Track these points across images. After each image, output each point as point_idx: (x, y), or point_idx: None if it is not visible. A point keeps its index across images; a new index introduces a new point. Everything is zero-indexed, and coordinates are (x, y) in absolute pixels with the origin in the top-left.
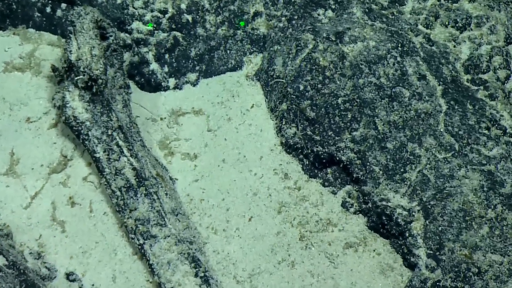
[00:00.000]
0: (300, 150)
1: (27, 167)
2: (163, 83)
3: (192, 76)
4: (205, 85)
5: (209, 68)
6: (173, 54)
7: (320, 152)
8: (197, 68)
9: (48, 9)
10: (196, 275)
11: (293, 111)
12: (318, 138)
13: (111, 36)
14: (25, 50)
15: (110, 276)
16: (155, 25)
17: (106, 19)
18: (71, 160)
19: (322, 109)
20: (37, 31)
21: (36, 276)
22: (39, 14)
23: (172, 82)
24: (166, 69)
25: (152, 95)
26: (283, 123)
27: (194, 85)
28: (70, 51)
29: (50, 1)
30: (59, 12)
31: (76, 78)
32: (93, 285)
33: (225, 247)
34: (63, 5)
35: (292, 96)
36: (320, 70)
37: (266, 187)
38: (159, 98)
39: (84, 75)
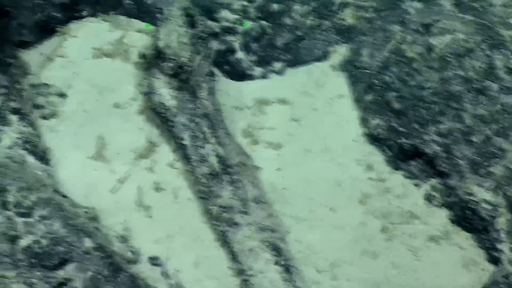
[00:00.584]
0: (384, 142)
1: (115, 152)
2: (249, 72)
3: (278, 65)
4: (290, 75)
5: (295, 58)
6: (259, 43)
7: (404, 144)
8: (283, 57)
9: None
10: (277, 264)
11: (378, 102)
12: (403, 130)
13: (199, 24)
14: (115, 36)
15: (193, 262)
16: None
17: (194, 7)
18: (157, 146)
19: (408, 101)
20: (126, 18)
21: (121, 259)
22: (129, 1)
23: (258, 71)
24: (252, 58)
25: (237, 83)
26: (368, 114)
27: (279, 75)
28: (159, 38)
29: None
30: (149, 0)
31: (163, 65)
32: (176, 270)
33: (307, 237)
34: None
35: (377, 87)
36: (407, 62)
37: (349, 177)
38: (244, 87)
39: (171, 62)
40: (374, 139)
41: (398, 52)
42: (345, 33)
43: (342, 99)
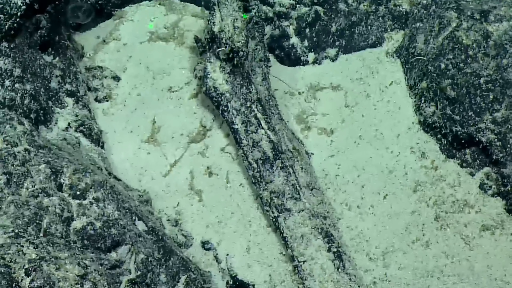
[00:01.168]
0: (438, 130)
1: (168, 135)
2: (302, 58)
3: (331, 51)
4: (344, 61)
5: (349, 44)
6: (313, 28)
7: (459, 132)
8: (337, 43)
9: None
10: (329, 250)
11: (433, 89)
12: (457, 117)
13: (253, 8)
14: (170, 20)
15: (245, 247)
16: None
17: None
18: (210, 130)
19: (463, 89)
20: (182, 2)
21: (173, 242)
22: None
23: (311, 56)
24: (306, 43)
25: (291, 69)
26: (422, 101)
27: (333, 61)
28: (213, 22)
29: None
30: None
31: (218, 49)
32: (227, 254)
33: (358, 224)
34: None
35: (432, 74)
36: (462, 49)
37: (402, 165)
38: (298, 72)
39: (226, 47)
40: (428, 126)
41: (454, 39)
42: (401, 19)
43: (397, 86)
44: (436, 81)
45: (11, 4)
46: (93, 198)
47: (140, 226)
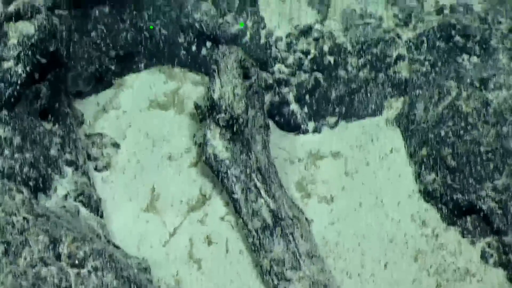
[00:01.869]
0: (439, 197)
1: (167, 203)
2: (302, 125)
3: (331, 119)
4: (344, 128)
5: (349, 111)
6: (313, 95)
7: (459, 200)
8: (337, 110)
9: (194, 48)
10: None
11: (433, 157)
12: (458, 185)
13: (253, 76)
14: (170, 88)
15: None
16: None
17: (249, 58)
18: (210, 198)
19: (464, 157)
20: (182, 69)
21: None
22: (184, 53)
23: (311, 123)
24: (306, 110)
25: (291, 136)
26: (423, 169)
27: (333, 128)
28: (213, 89)
29: (195, 40)
30: (203, 51)
31: (218, 116)
32: None
33: None
34: (208, 44)
35: (433, 142)
36: (462, 116)
37: (403, 233)
38: (298, 139)
39: (226, 114)
40: (428, 194)
41: (454, 107)
42: (400, 87)
43: (396, 154)
44: (436, 149)
45: (12, 73)
46: (91, 267)
47: None
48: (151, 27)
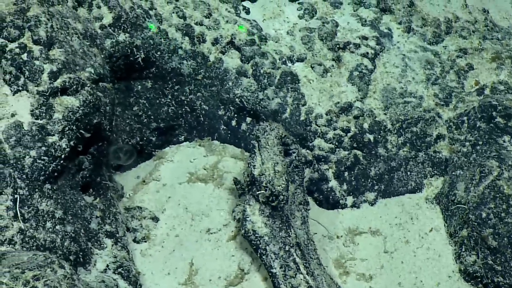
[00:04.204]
0: (479, 279)
1: (205, 278)
2: (341, 201)
3: (370, 196)
4: (383, 205)
5: (388, 189)
6: (352, 172)
7: (500, 283)
8: (376, 187)
9: (234, 123)
10: None
11: (474, 238)
12: (499, 268)
13: (294, 152)
14: (209, 161)
15: None
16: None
17: (289, 135)
18: (248, 274)
19: (505, 239)
20: (222, 144)
21: None
22: (224, 127)
23: (350, 200)
24: (345, 187)
25: (329, 212)
26: (463, 249)
27: (372, 205)
28: (254, 165)
29: (236, 115)
30: (243, 126)
31: (257, 192)
32: None
33: None
34: (248, 119)
35: (473, 223)
36: (504, 198)
37: None
38: (336, 216)
39: (266, 190)
40: (469, 276)
41: (495, 188)
42: (440, 166)
43: (436, 233)
44: (477, 230)
45: (56, 147)
46: None
47: None
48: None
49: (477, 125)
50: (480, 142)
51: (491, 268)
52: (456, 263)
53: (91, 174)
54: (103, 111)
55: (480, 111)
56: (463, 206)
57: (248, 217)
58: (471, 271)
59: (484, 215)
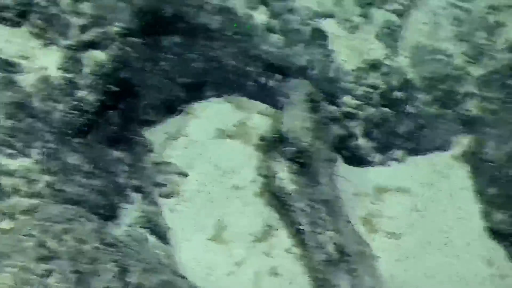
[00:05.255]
0: (507, 237)
1: (234, 234)
2: (369, 158)
3: (399, 153)
4: (412, 164)
5: (417, 146)
6: (381, 129)
7: None
8: (405, 145)
9: (263, 79)
10: None
11: (502, 196)
12: None
13: (321, 109)
14: (237, 118)
15: None
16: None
17: (318, 92)
18: (276, 230)
19: None
20: (250, 100)
21: None
22: (252, 83)
23: (378, 157)
24: (373, 144)
25: (357, 169)
26: (491, 208)
27: (400, 162)
28: (282, 122)
29: (264, 71)
30: (272, 83)
31: (285, 149)
32: None
33: None
34: (277, 76)
35: (501, 181)
36: None
37: (472, 273)
38: (364, 173)
39: (293, 147)
40: (497, 234)
41: None
42: (469, 124)
43: (465, 192)
44: (505, 188)
45: (84, 101)
46: None
47: None
48: None
49: (507, 83)
50: (509, 100)
51: None
52: (484, 221)
53: (120, 129)
54: (131, 66)
55: (509, 69)
56: (491, 164)
57: (276, 174)
58: (499, 229)
59: None
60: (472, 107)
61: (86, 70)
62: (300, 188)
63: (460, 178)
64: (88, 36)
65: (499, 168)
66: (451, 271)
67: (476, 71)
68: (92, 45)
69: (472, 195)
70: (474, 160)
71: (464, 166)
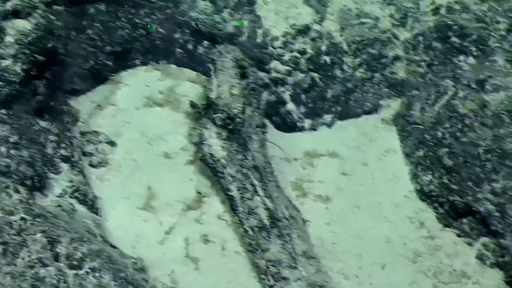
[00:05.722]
0: (435, 198)
1: (163, 202)
2: (298, 124)
3: (328, 118)
4: (340, 128)
5: (345, 111)
6: (310, 94)
7: (456, 202)
8: (333, 109)
9: (190, 46)
10: None
11: (430, 158)
12: (455, 187)
13: (250, 75)
14: (166, 85)
15: None
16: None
17: (246, 58)
18: (206, 197)
19: (461, 158)
20: (178, 67)
21: None
22: (180, 51)
23: (307, 122)
24: (302, 109)
25: (287, 135)
26: (419, 170)
27: (329, 127)
28: (210, 89)
29: (192, 38)
30: (200, 49)
31: (214, 116)
32: None
33: None
34: (205, 43)
35: (429, 143)
36: (459, 118)
37: (400, 235)
38: (294, 139)
39: (222, 114)
40: (425, 195)
41: (451, 108)
42: (397, 87)
43: (393, 154)
44: (433, 150)
45: (9, 71)
46: (89, 268)
47: None
48: (151, 26)
49: (433, 45)
50: (436, 62)
51: (447, 187)
52: (413, 183)
53: (46, 98)
54: (56, 34)
55: (435, 31)
56: (419, 126)
57: (205, 141)
58: (427, 191)
59: (440, 135)
60: (399, 70)
61: (10, 39)
62: (230, 154)
63: (388, 141)
64: (10, 4)
65: (426, 130)
66: (379, 233)
67: (403, 34)
68: (15, 13)
69: (401, 157)
70: (402, 123)
71: (392, 129)
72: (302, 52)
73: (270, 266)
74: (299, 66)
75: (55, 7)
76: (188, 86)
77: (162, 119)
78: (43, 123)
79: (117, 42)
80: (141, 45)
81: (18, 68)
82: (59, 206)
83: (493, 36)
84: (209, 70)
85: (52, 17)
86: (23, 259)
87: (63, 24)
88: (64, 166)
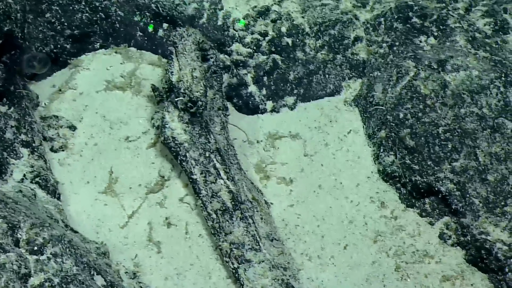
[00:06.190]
0: (397, 179)
1: (125, 186)
2: (260, 106)
3: (290, 100)
4: (302, 109)
5: (307, 92)
6: (271, 77)
7: (418, 182)
8: (295, 91)
9: (150, 29)
10: None
11: (391, 138)
12: (416, 167)
13: (211, 58)
14: (126, 69)
15: None
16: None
17: (207, 40)
18: (168, 180)
19: (422, 138)
20: (139, 50)
21: None
22: (141, 34)
23: (269, 105)
24: (264, 91)
25: (249, 117)
26: (381, 150)
27: (291, 109)
28: (172, 72)
29: (152, 21)
30: (160, 32)
31: (176, 99)
32: None
33: (319, 275)
34: (165, 25)
35: (391, 123)
36: (421, 98)
37: (362, 215)
38: (256, 121)
39: (184, 97)
40: (387, 176)
41: (412, 88)
42: (358, 68)
43: (355, 135)
44: (394, 130)
45: None
46: (50, 254)
47: (99, 281)
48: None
49: (394, 26)
50: (397, 43)
51: (408, 168)
52: (375, 163)
53: (4, 83)
54: (13, 18)
55: (396, 12)
56: (380, 107)
57: (167, 124)
58: (389, 171)
59: (401, 115)
60: (361, 51)
61: None
62: (192, 137)
63: (350, 122)
64: None
65: (388, 111)
66: (341, 214)
67: (364, 15)
68: None
69: (363, 138)
70: (364, 104)
71: (354, 110)
72: (263, 34)
73: (234, 249)
74: (261, 48)
75: None
76: (149, 69)
77: (124, 103)
78: (2, 108)
79: (76, 25)
80: (100, 28)
81: None
82: (20, 191)
83: (452, 15)
84: (170, 53)
85: (9, 0)
86: None
87: (20, 7)
88: (25, 151)
